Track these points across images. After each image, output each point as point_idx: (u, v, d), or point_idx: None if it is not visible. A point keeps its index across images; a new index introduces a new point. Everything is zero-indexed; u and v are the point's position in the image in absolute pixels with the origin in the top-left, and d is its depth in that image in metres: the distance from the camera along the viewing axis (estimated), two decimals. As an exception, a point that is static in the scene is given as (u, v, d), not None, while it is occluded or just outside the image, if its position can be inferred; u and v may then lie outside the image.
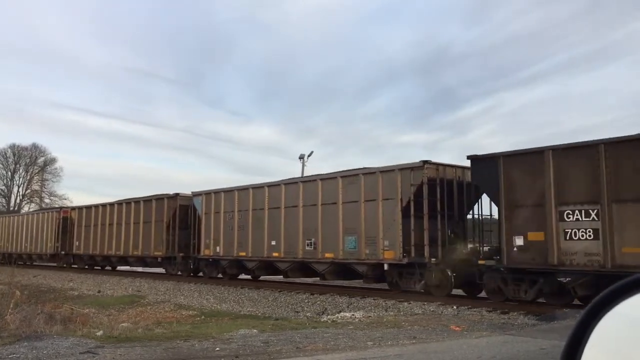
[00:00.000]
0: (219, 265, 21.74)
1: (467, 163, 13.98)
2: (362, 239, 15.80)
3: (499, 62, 78.80)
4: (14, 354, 7.01)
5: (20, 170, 64.51)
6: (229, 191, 21.08)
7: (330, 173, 17.65)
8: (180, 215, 23.74)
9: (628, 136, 11.14)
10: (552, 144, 12.21)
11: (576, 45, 70.35)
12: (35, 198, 64.90)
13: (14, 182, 64.27)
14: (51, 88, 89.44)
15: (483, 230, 14.39)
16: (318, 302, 15.93)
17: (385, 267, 15.26)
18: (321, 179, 17.51)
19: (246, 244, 19.86)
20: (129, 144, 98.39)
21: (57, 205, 52.25)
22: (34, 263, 35.60)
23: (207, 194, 22.04)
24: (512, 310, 12.21)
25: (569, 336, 1.17)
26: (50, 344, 7.56)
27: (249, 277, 21.49)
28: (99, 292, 22.22)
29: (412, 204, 14.67)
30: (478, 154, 13.63)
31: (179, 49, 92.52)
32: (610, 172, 11.21)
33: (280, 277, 20.35)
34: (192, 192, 23.31)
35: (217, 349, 7.67)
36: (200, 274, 23.17)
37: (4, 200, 64.41)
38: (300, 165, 36.05)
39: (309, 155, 36.46)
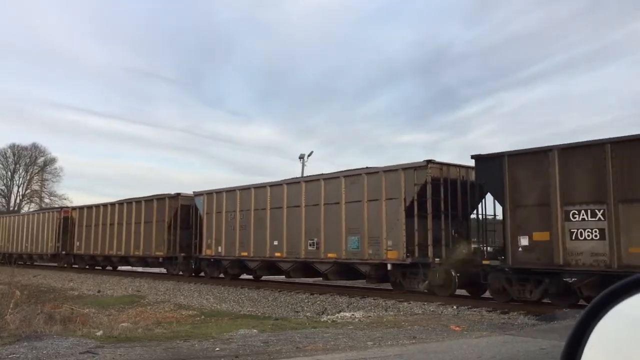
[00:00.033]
0: (221, 265, 21.65)
1: (471, 162, 13.91)
2: (365, 239, 15.71)
3: (499, 62, 78.78)
4: (13, 354, 6.97)
5: (20, 170, 64.52)
6: (230, 191, 20.99)
7: (333, 173, 17.56)
8: (181, 215, 23.66)
9: (635, 135, 11.05)
10: (557, 144, 12.13)
11: (576, 45, 70.32)
12: (35, 198, 64.87)
13: (14, 182, 64.27)
14: (51, 88, 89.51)
15: (487, 230, 14.27)
16: (318, 302, 15.88)
17: (389, 267, 15.17)
18: (324, 179, 17.42)
19: (248, 244, 19.77)
20: (129, 144, 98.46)
21: (56, 205, 52.21)
22: (35, 263, 35.53)
23: (209, 193, 21.95)
24: (512, 310, 12.19)
25: (569, 336, 1.18)
26: (50, 344, 7.52)
27: (250, 277, 21.40)
28: (98, 292, 22.15)
29: (415, 203, 14.57)
30: (482, 153, 13.54)
31: (179, 49, 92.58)
32: (617, 172, 11.12)
33: (280, 277, 20.26)
34: (193, 192, 23.21)
35: (217, 349, 7.64)
36: (202, 274, 23.09)
37: (3, 200, 64.42)
38: (300, 165, 36.03)
39: (309, 155, 36.47)
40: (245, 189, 20.38)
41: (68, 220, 31.43)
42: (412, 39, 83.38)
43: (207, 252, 21.73)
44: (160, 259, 24.59)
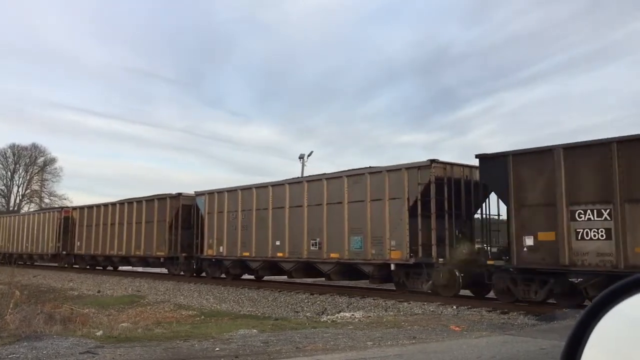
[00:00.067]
0: (222, 265, 21.55)
1: (475, 162, 13.80)
2: (368, 239, 15.60)
3: (499, 62, 78.83)
4: (13, 354, 6.94)
5: (20, 170, 64.51)
6: (232, 191, 20.90)
7: (336, 172, 17.47)
8: (182, 215, 23.56)
9: (642, 134, 10.93)
10: (562, 143, 12.02)
11: (576, 45, 70.34)
12: (35, 198, 64.84)
13: (14, 182, 64.24)
14: (51, 88, 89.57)
15: (491, 230, 14.17)
16: (318, 302, 15.82)
17: (392, 267, 15.07)
18: (326, 179, 17.32)
19: (250, 244, 19.67)
20: (129, 144, 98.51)
21: (56, 205, 52.15)
22: (35, 263, 35.47)
23: (210, 193, 21.85)
24: (511, 310, 12.17)
25: (569, 336, 1.18)
26: (50, 344, 7.49)
27: (252, 277, 21.29)
28: (98, 292, 22.08)
29: (419, 203, 14.47)
30: (485, 152, 13.44)
31: (179, 49, 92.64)
32: (623, 171, 11.03)
33: (281, 277, 20.16)
34: (195, 192, 23.11)
35: (217, 349, 7.62)
36: (203, 274, 22.99)
37: (3, 200, 64.40)
38: (300, 165, 35.94)
39: (308, 155, 36.37)
40: (247, 188, 20.28)
41: (68, 220, 31.36)
42: (412, 39, 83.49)
43: (208, 252, 21.63)
44: (162, 259, 24.49)
